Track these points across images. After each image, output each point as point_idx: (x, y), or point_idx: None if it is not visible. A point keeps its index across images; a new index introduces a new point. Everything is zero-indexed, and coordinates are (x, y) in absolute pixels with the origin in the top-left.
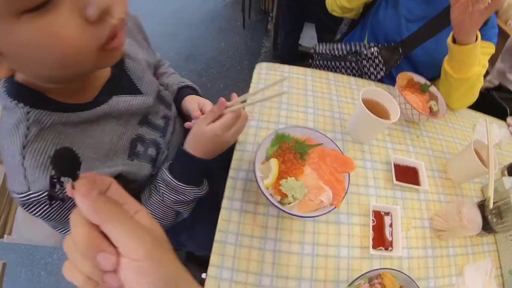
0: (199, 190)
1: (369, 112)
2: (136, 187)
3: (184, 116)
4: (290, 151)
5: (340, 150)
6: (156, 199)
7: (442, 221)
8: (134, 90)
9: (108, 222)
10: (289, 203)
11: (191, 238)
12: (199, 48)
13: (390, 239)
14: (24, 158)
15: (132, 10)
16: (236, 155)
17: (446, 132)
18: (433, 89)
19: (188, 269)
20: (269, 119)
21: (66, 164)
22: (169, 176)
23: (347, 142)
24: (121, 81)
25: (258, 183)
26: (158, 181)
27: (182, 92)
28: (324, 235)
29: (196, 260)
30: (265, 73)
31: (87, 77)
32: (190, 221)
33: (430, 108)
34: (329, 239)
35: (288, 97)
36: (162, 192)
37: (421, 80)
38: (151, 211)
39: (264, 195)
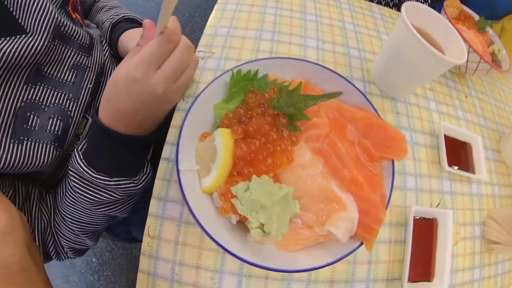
0: (131, 183)
1: (423, 40)
2: (47, 178)
3: None
4: (266, 110)
5: (373, 107)
6: (71, 198)
7: (500, 229)
8: (12, 28)
9: None
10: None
11: None
12: None
13: (433, 262)
14: None
15: None
16: (176, 119)
17: (496, 95)
18: (489, 30)
19: None
20: (239, 56)
21: None
22: (82, 163)
23: (371, 96)
24: None
25: (181, 186)
26: (70, 170)
27: (118, 28)
28: None
29: None
30: None
31: None
32: (141, 212)
33: (492, 55)
34: (336, 271)
35: (276, 21)
36: (75, 189)
37: (474, 15)
38: (68, 215)
39: (194, 216)
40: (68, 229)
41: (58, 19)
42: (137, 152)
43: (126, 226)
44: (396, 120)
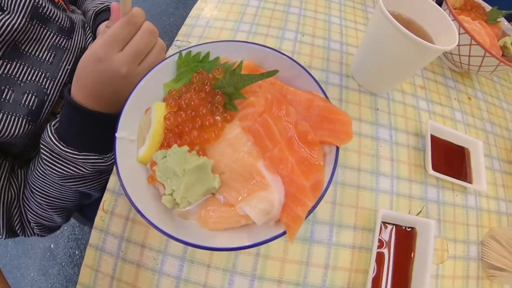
0: (100, 159)
1: (398, 24)
2: (19, 153)
3: None
4: (203, 88)
5: (322, 90)
6: (41, 171)
7: (504, 252)
8: None
9: None
10: (181, 207)
11: None
12: None
13: (409, 280)
14: None
15: None
16: None
17: (510, 99)
18: (503, 21)
19: None
20: None
21: None
22: (52, 137)
23: (349, 90)
24: None
25: (114, 152)
26: (41, 143)
27: (100, 17)
28: (275, 262)
29: None
30: None
31: None
32: None
33: (504, 48)
34: (286, 270)
35: (257, 13)
36: (45, 162)
37: (485, 5)
38: (37, 188)
39: (122, 183)
40: (36, 203)
41: (37, 1)
42: (108, 129)
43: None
44: (374, 116)
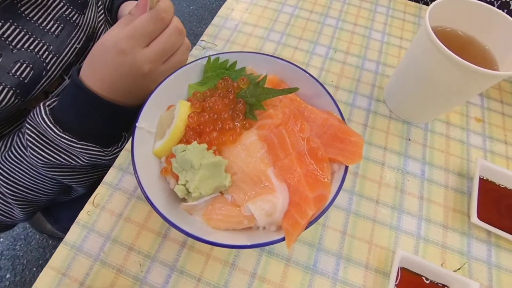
0: (100, 151)
1: (443, 47)
2: None
3: None
4: (227, 95)
5: (339, 111)
6: (17, 155)
7: None
8: None
9: None
10: (192, 198)
11: None
12: None
13: None
14: None
15: None
16: None
17: None
18: None
19: None
20: None
21: None
22: (46, 118)
23: (377, 116)
24: None
25: (132, 140)
26: (27, 123)
27: None
28: (271, 287)
29: None
30: None
31: None
32: None
33: None
34: None
35: (289, 22)
36: (30, 144)
37: None
38: (5, 173)
39: (135, 170)
40: None
41: None
42: (113, 121)
43: (73, 212)
44: (403, 147)
